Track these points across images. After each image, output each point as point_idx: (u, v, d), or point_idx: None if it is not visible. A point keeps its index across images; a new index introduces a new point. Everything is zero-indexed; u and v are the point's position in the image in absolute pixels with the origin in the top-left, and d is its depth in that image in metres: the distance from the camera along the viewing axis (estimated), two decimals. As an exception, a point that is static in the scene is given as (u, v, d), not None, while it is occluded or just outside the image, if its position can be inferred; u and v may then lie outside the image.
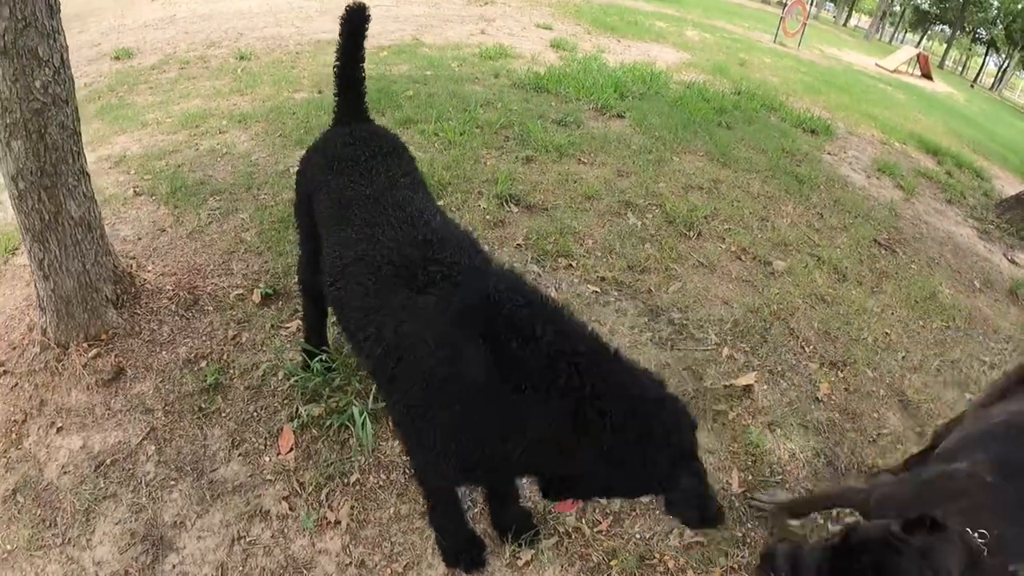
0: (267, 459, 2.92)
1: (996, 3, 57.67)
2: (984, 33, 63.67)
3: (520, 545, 2.65)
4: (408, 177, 2.57)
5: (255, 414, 3.12)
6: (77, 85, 3.11)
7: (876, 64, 25.29)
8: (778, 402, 3.60)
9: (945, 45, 70.19)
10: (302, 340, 3.33)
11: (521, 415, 1.78)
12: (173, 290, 3.78)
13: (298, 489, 2.80)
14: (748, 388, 3.61)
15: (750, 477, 3.14)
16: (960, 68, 79.34)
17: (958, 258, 5.96)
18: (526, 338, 1.77)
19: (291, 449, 2.94)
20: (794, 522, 2.83)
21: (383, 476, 2.87)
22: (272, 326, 3.62)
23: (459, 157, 5.59)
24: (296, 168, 2.85)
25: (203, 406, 3.14)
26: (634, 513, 2.88)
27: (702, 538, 2.82)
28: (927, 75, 26.93)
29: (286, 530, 2.66)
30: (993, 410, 2.48)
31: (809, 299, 4.51)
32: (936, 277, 5.38)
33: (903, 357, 4.23)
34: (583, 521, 2.81)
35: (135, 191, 4.94)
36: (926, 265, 5.57)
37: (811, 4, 23.42)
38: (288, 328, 3.60)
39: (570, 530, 2.76)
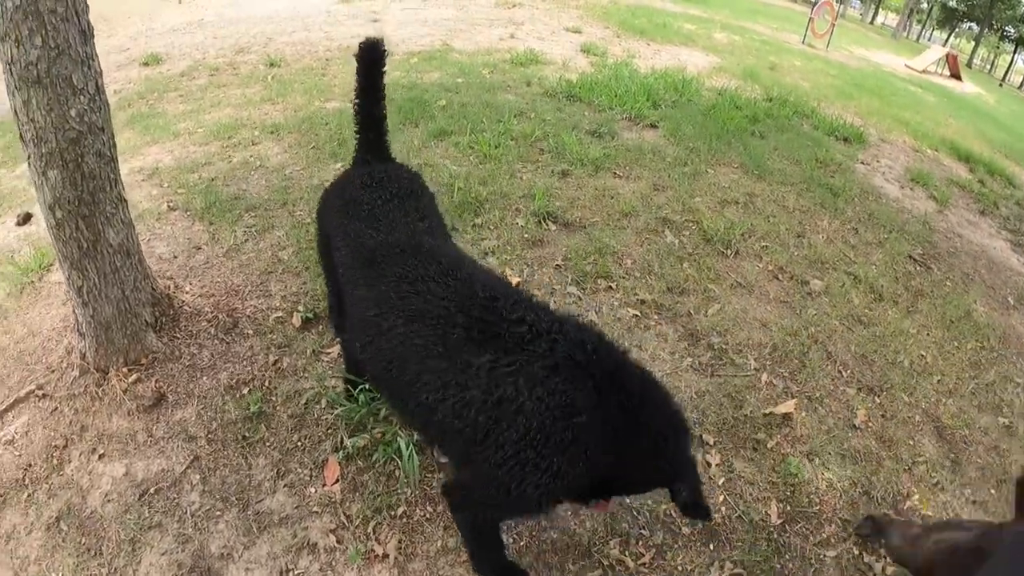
0: (313, 490, 2.92)
1: (1025, 0, 56.98)
2: (1012, 31, 62.88)
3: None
4: (427, 221, 2.54)
5: (299, 444, 3.12)
6: (107, 92, 3.10)
7: (905, 65, 25.11)
8: (816, 430, 3.57)
9: (973, 43, 69.42)
10: (343, 368, 3.32)
11: (618, 449, 1.97)
12: (212, 312, 3.78)
13: (345, 522, 2.79)
14: (787, 416, 3.57)
15: (788, 508, 3.11)
16: (988, 66, 78.46)
17: (992, 273, 5.89)
18: (622, 386, 1.97)
19: (337, 481, 2.93)
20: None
21: (429, 509, 2.86)
22: (313, 352, 3.61)
23: (495, 171, 5.57)
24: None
25: (247, 435, 3.14)
26: (676, 546, 2.87)
27: (741, 570, 2.81)
28: (956, 75, 26.66)
29: (334, 563, 2.66)
30: None
31: (846, 321, 4.47)
32: (971, 294, 5.32)
33: (938, 381, 4.18)
34: (626, 554, 2.80)
35: (169, 206, 4.96)
36: (960, 282, 5.51)
37: (839, 2, 23.22)
38: (329, 354, 3.59)
39: (614, 563, 2.76)
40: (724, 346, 3.97)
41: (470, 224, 4.76)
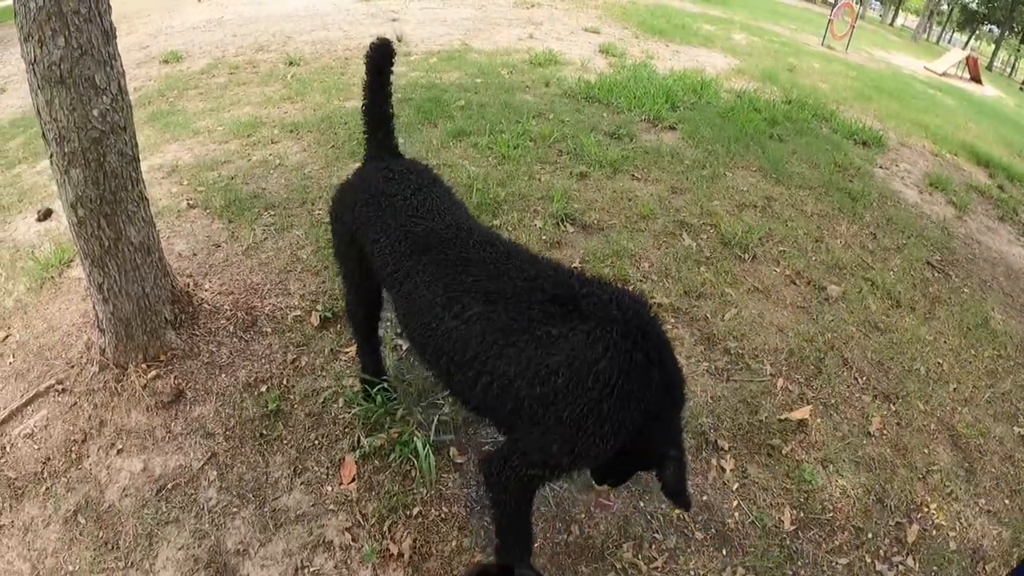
0: (329, 489, 2.94)
1: (1046, 3, 56.40)
2: (1034, 34, 62.36)
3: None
4: (460, 209, 2.63)
5: (316, 442, 3.14)
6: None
7: (925, 67, 24.92)
8: (831, 436, 3.56)
9: (993, 46, 68.86)
10: (359, 370, 3.34)
11: (654, 409, 2.15)
12: (231, 310, 3.81)
13: (361, 520, 2.82)
14: (803, 422, 3.57)
15: (802, 515, 3.12)
16: (1009, 70, 77.70)
17: (1010, 281, 5.85)
18: (663, 351, 2.17)
19: (353, 479, 2.96)
20: None
21: (445, 509, 2.88)
22: (331, 351, 3.64)
23: (513, 173, 5.58)
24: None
25: (264, 432, 3.17)
26: (689, 550, 2.88)
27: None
28: (976, 79, 26.43)
29: (349, 561, 2.68)
30: None
31: (863, 327, 4.46)
32: (988, 302, 5.28)
33: (954, 389, 4.17)
34: (640, 557, 2.81)
35: (188, 203, 4.99)
36: (978, 289, 5.47)
37: (858, 4, 23.09)
38: (347, 353, 3.61)
39: (627, 566, 2.77)
40: (740, 351, 3.97)
41: (488, 225, 4.75)
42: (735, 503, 3.09)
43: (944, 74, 24.57)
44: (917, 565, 3.02)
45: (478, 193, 5.04)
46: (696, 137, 6.97)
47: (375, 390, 3.17)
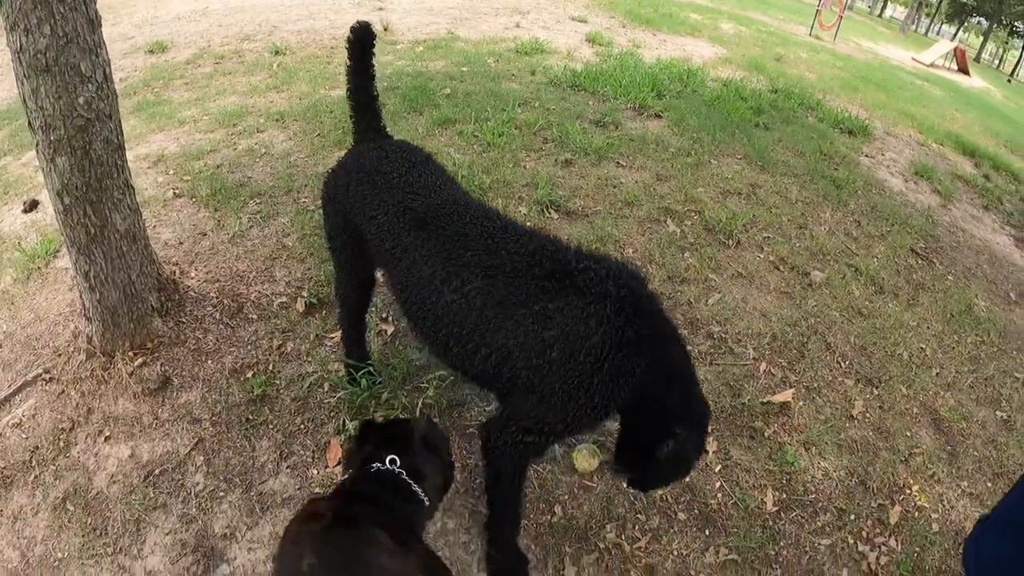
0: (315, 472, 2.97)
1: (1035, -6, 56.59)
2: (1022, 26, 62.54)
3: (562, 561, 2.69)
4: (455, 185, 2.68)
5: (302, 426, 3.16)
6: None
7: (912, 58, 25.00)
8: (814, 419, 3.60)
9: (982, 38, 69.11)
10: (344, 355, 3.36)
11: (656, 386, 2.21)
12: (217, 297, 3.82)
13: (346, 503, 2.83)
14: (785, 405, 3.61)
15: (784, 496, 3.16)
16: (997, 62, 78.00)
17: (994, 268, 5.89)
18: (660, 320, 2.26)
19: (339, 462, 2.97)
20: None
21: (428, 491, 2.90)
22: (316, 336, 3.66)
23: (498, 160, 5.59)
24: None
25: (250, 417, 3.19)
26: (672, 531, 2.92)
27: (736, 556, 2.87)
28: (964, 70, 26.57)
29: (335, 543, 2.70)
30: None
31: (846, 312, 4.50)
32: (972, 289, 5.33)
33: (937, 374, 4.22)
34: (623, 537, 2.85)
35: (174, 192, 4.99)
36: (962, 276, 5.52)
37: (845, -5, 23.19)
38: (332, 339, 3.63)
39: (610, 546, 2.81)
40: (723, 335, 4.00)
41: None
42: (718, 484, 3.13)
43: (932, 65, 24.65)
44: (899, 546, 3.07)
45: (463, 180, 5.03)
46: (682, 125, 6.98)
47: (360, 374, 3.19)
